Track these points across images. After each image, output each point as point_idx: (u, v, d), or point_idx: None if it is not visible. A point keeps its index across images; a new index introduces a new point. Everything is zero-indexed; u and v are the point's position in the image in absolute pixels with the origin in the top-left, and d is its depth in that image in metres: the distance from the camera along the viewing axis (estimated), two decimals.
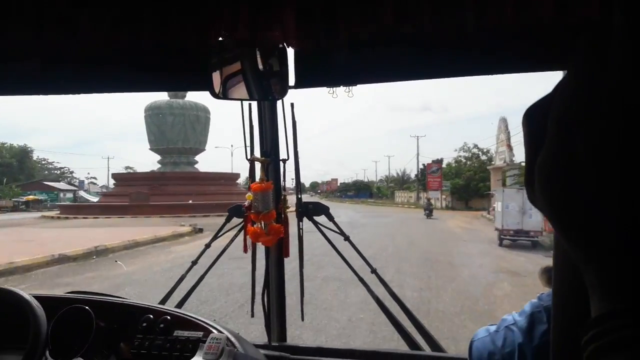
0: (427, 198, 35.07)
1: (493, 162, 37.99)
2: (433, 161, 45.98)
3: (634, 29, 0.26)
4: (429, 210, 30.97)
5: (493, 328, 0.90)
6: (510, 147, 33.85)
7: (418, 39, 0.99)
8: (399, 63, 1.07)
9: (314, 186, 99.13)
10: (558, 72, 0.99)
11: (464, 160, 45.71)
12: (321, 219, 1.78)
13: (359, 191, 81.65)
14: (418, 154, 54.08)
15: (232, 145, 62.70)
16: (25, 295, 1.26)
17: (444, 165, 46.46)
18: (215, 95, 1.11)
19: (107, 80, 1.20)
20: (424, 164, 50.61)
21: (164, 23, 0.97)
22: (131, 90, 1.26)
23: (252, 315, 1.89)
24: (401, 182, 69.17)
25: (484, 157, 44.47)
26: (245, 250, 1.77)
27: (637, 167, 0.25)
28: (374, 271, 1.80)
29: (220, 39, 1.03)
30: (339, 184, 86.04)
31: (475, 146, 44.99)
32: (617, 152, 0.26)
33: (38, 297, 1.28)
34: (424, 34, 0.94)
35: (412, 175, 59.58)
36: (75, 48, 1.07)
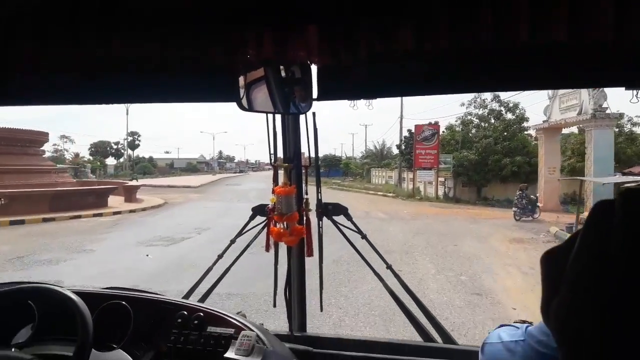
0: (520, 189, 16.42)
1: (546, 118, 18.91)
2: (426, 125, 26.80)
3: (629, 226, 0.33)
4: (522, 208, 15.81)
5: (506, 335, 0.87)
6: None
7: (436, 55, 0.98)
8: (417, 78, 1.08)
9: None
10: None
11: (476, 121, 26.57)
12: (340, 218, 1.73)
13: (330, 168, 62.51)
14: (402, 116, 34.82)
15: None
16: (69, 293, 1.26)
17: (442, 130, 27.34)
18: (242, 107, 1.13)
19: (139, 91, 1.23)
20: (410, 130, 31.67)
21: (194, 38, 1.00)
22: (161, 100, 1.31)
23: (275, 306, 1.89)
24: (380, 157, 50.16)
25: (510, 116, 25.42)
26: (268, 250, 1.81)
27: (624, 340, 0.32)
28: (389, 267, 1.85)
29: (248, 55, 1.04)
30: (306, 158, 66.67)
31: (496, 98, 25.79)
32: (614, 324, 0.32)
33: (78, 293, 1.29)
34: (442, 50, 0.93)
35: (395, 149, 40.56)
36: (109, 60, 1.08)
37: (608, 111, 15.38)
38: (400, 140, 34.62)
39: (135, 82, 1.19)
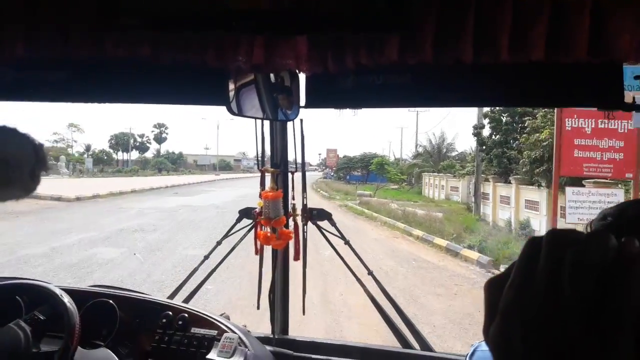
0: None
1: None
2: None
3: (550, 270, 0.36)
4: None
5: None
6: None
7: (421, 69, 1.01)
8: (402, 90, 1.08)
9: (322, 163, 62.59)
10: None
11: None
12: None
13: (369, 171, 43.95)
14: None
15: None
16: (57, 290, 1.27)
17: None
18: (231, 111, 1.11)
19: (129, 92, 1.20)
20: None
21: (185, 42, 0.98)
22: (151, 102, 1.23)
23: (258, 308, 1.84)
24: (437, 156, 31.66)
25: None
26: (257, 253, 1.75)
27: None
28: (370, 273, 1.79)
29: (238, 61, 1.03)
30: (340, 158, 48.36)
31: None
32: (537, 348, 0.35)
33: (65, 290, 1.29)
34: (426, 64, 0.95)
35: (461, 143, 22.33)
36: (100, 60, 1.07)
37: None
38: (479, 117, 16.50)
39: (125, 83, 1.16)
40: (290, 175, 1.73)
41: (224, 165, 74.75)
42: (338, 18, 0.90)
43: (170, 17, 0.93)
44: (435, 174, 26.56)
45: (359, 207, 16.75)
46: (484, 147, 16.36)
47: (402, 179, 30.26)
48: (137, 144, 65.69)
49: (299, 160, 1.73)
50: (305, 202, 1.75)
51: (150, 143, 66.79)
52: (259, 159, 1.67)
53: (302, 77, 1.08)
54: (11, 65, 1.13)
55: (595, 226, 0.55)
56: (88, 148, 59.56)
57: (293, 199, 1.73)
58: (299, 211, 1.73)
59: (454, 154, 32.62)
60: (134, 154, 65.69)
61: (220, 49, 0.97)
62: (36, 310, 1.25)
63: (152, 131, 67.33)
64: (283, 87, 1.12)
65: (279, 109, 1.20)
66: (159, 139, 67.64)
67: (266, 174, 1.67)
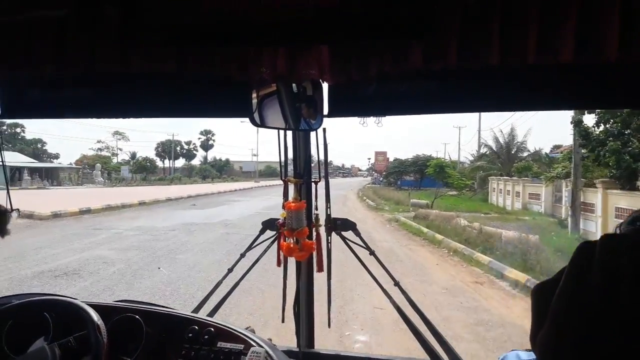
0: None
1: None
2: None
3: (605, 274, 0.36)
4: None
5: (524, 355, 0.82)
6: None
7: (444, 75, 0.99)
8: (426, 97, 1.06)
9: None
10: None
11: None
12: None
13: (423, 175, 38.78)
14: None
15: None
16: (85, 306, 1.26)
17: None
18: (255, 123, 1.11)
19: (155, 106, 1.21)
20: None
21: (209, 55, 0.99)
22: (176, 115, 1.27)
23: (283, 321, 1.81)
24: (506, 156, 26.82)
25: None
26: (279, 264, 1.73)
27: None
28: (397, 284, 1.73)
29: (262, 73, 1.03)
30: (390, 162, 43.91)
31: None
32: (590, 357, 0.34)
33: (91, 306, 1.28)
34: (450, 70, 0.94)
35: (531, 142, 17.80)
36: (126, 76, 1.08)
37: None
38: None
39: (150, 97, 1.17)
40: (313, 185, 1.70)
41: (271, 172, 73.25)
42: (360, 26, 0.88)
43: (194, 31, 0.93)
44: (506, 177, 21.95)
45: (415, 224, 12.82)
46: (585, 142, 11.94)
47: (466, 184, 25.66)
48: (184, 151, 65.41)
49: (323, 170, 1.75)
50: (329, 212, 1.73)
51: (197, 150, 66.39)
52: (282, 169, 1.67)
53: (325, 85, 1.06)
54: (41, 84, 1.15)
55: (624, 230, 0.52)
56: (133, 156, 59.73)
57: (316, 209, 1.70)
58: (322, 221, 1.70)
59: (525, 154, 27.56)
60: (181, 162, 65.50)
61: (244, 62, 0.98)
62: (71, 337, 1.22)
63: (199, 138, 66.83)
64: (306, 96, 1.11)
65: (301, 119, 1.19)
66: (206, 146, 67.00)
67: (289, 184, 1.67)
